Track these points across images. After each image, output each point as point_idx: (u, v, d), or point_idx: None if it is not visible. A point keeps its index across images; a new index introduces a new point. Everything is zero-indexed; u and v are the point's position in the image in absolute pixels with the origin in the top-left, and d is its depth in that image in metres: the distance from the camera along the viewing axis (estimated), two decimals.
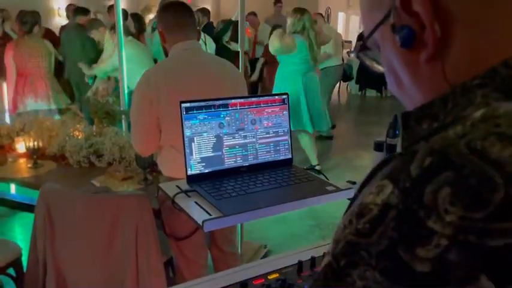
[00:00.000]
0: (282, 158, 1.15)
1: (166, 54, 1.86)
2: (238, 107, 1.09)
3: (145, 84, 1.69)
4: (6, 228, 3.28)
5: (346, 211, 0.37)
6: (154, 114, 1.69)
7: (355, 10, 18.99)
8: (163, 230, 1.90)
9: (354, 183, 1.11)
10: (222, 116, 1.07)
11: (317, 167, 3.69)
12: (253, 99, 1.10)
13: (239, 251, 2.47)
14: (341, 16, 18.54)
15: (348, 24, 18.75)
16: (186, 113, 1.03)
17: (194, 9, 5.97)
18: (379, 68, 0.50)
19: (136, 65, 3.29)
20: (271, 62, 5.24)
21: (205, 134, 1.05)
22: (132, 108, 1.76)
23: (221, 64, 1.88)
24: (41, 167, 2.33)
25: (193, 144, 1.04)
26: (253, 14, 6.87)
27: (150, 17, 11.12)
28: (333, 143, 5.76)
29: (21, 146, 2.46)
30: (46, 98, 3.51)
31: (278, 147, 1.14)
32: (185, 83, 1.71)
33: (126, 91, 3.11)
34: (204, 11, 6.06)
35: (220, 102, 1.07)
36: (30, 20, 3.55)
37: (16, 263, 2.04)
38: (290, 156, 1.16)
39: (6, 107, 3.14)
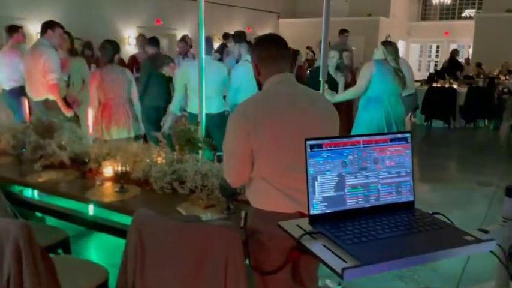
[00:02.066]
0: (404, 200, 1.08)
1: (260, 87, 1.86)
2: (361, 145, 1.04)
3: (243, 115, 1.69)
4: (83, 248, 3.40)
5: None
6: (250, 145, 1.69)
7: (415, 38, 18.63)
8: (248, 262, 1.87)
9: (487, 232, 1.01)
10: (345, 154, 1.03)
11: None
12: (377, 137, 1.05)
13: None
14: (401, 44, 18.24)
15: (408, 52, 18.41)
16: (310, 151, 1.00)
17: (251, 37, 6.13)
18: None
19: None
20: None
21: (328, 173, 1.01)
22: (227, 138, 1.77)
23: (314, 96, 1.86)
24: (127, 192, 2.39)
25: (316, 183, 1.00)
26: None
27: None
28: None
29: (108, 170, 2.56)
30: (127, 126, 3.68)
31: (400, 189, 1.08)
32: (280, 115, 1.70)
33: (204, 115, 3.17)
34: None
35: (344, 140, 1.04)
36: (111, 50, 3.77)
37: (103, 287, 2.08)
38: (412, 198, 1.10)
39: (91, 132, 3.31)
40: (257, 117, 1.67)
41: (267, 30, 16.90)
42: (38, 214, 3.39)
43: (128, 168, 2.44)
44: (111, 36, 10.01)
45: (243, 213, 1.97)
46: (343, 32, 7.35)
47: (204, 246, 1.71)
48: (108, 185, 2.50)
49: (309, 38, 15.85)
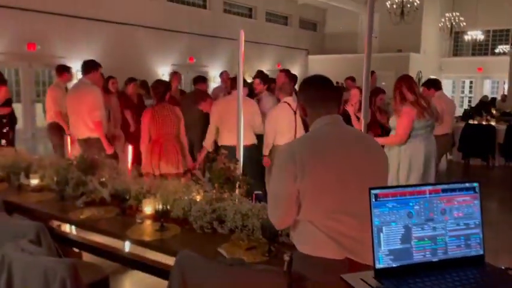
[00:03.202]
0: (473, 254, 1.02)
1: (306, 127, 1.85)
2: (427, 195, 1.00)
3: (289, 158, 1.67)
4: (120, 286, 3.37)
5: None
6: (296, 188, 1.65)
7: (447, 73, 18.44)
8: None
9: None
10: (411, 204, 0.98)
11: None
12: (443, 186, 1.01)
13: None
14: None
15: None
16: (375, 200, 0.96)
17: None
18: None
19: None
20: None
21: (393, 224, 0.97)
22: (273, 180, 1.74)
23: (363, 138, 1.83)
24: (167, 230, 2.37)
25: (381, 234, 0.95)
26: (351, 78, 6.95)
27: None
28: None
29: (148, 208, 2.56)
30: (176, 162, 3.76)
31: (469, 242, 1.01)
32: (328, 158, 1.66)
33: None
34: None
35: (410, 189, 0.99)
36: (162, 89, 3.91)
37: None
38: (482, 252, 1.03)
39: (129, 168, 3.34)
40: (304, 159, 1.64)
41: (296, 66, 17.16)
42: (75, 249, 3.41)
43: (168, 207, 2.44)
44: (147, 73, 10.44)
45: (286, 257, 1.91)
46: (371, 73, 7.35)
47: None
48: (148, 223, 2.49)
49: (337, 73, 15.93)
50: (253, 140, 4.52)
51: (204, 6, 14.43)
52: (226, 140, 4.36)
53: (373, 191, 0.97)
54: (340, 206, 1.63)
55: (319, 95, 1.77)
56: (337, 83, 15.81)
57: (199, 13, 14.03)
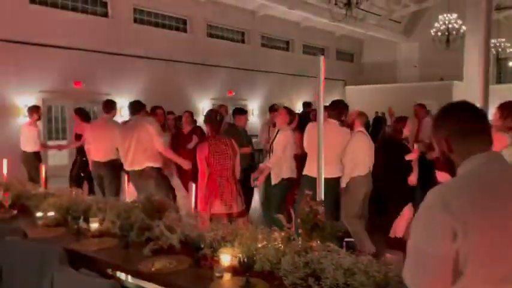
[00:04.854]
0: None
1: (451, 167, 1.46)
2: None
3: (443, 208, 1.27)
4: None
5: None
6: (454, 249, 1.26)
7: (493, 101, 17.68)
8: None
9: None
10: None
11: None
12: None
13: None
14: None
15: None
16: None
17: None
18: None
19: None
20: None
21: None
22: (418, 235, 1.35)
23: None
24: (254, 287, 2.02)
25: None
26: (421, 105, 6.56)
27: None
28: None
29: (226, 259, 2.22)
30: (230, 201, 3.41)
31: None
32: (503, 209, 1.27)
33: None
34: None
35: None
36: (217, 119, 3.65)
37: None
38: None
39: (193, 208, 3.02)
40: (465, 211, 1.25)
41: (334, 97, 16.80)
42: None
43: (255, 258, 2.10)
44: (188, 107, 10.35)
45: None
46: (421, 105, 6.92)
47: None
48: (228, 277, 2.14)
49: (375, 103, 15.58)
50: (340, 173, 4.20)
51: (243, 41, 14.52)
52: (312, 171, 3.83)
53: None
54: None
55: (469, 127, 1.40)
56: (376, 112, 15.36)
57: (238, 47, 14.11)
